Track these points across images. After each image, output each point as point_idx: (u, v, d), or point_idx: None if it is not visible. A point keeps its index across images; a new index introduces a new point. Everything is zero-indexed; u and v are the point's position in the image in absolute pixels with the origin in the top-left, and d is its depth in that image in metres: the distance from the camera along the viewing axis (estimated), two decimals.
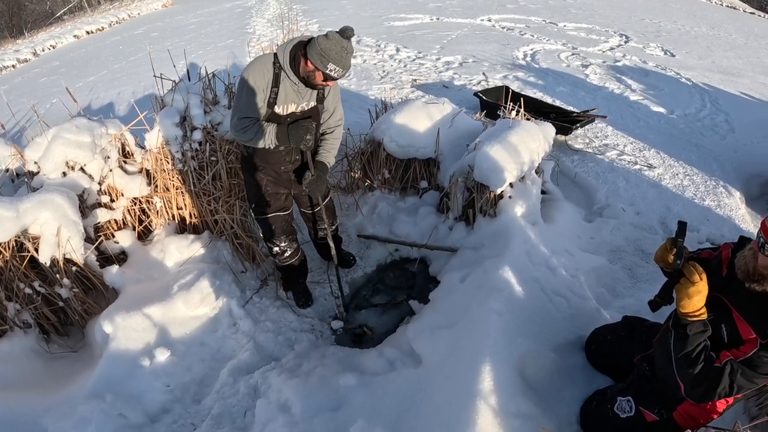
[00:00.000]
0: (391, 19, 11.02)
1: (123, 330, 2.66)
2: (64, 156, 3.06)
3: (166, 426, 2.48)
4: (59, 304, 2.92)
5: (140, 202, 3.44)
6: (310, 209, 3.11)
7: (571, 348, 2.45)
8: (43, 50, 14.75)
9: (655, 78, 6.97)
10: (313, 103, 2.62)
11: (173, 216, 3.51)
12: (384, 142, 3.75)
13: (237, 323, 2.99)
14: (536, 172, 3.56)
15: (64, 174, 3.10)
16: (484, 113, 5.00)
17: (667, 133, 5.26)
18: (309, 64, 2.35)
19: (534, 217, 3.33)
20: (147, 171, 3.40)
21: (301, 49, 2.37)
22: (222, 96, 3.47)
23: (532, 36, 9.28)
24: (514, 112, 3.77)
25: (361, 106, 5.77)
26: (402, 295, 3.37)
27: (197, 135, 3.28)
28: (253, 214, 3.03)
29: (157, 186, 3.40)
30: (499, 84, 6.38)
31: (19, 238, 2.77)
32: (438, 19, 10.88)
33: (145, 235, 3.52)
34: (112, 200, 3.33)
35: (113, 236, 3.33)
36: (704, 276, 1.65)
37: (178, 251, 3.28)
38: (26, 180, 3.08)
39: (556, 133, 4.23)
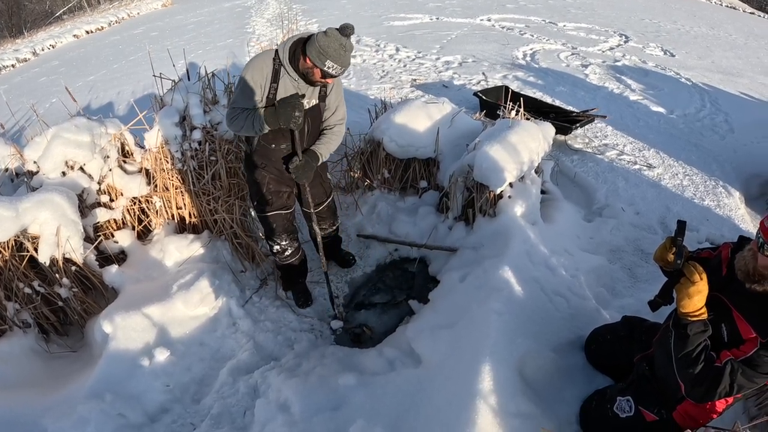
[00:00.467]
0: (390, 18, 11.02)
1: (122, 330, 2.66)
2: (64, 155, 3.06)
3: (165, 426, 2.47)
4: (59, 304, 2.92)
5: (140, 201, 3.43)
6: (311, 208, 3.10)
7: (571, 348, 2.45)
8: (43, 50, 14.74)
9: (654, 78, 6.97)
10: (314, 101, 2.61)
11: (173, 216, 3.50)
12: (384, 141, 3.75)
13: (236, 323, 2.99)
14: (536, 172, 3.56)
15: (64, 173, 3.09)
16: (483, 113, 5.01)
17: (667, 133, 5.26)
18: (307, 61, 2.34)
19: (534, 217, 3.33)
20: (146, 170, 3.40)
21: (301, 45, 2.37)
22: (221, 95, 3.47)
23: (532, 36, 9.28)
24: (513, 112, 3.76)
25: (360, 105, 5.76)
26: (402, 295, 3.37)
27: (197, 134, 3.28)
28: (254, 211, 3.03)
29: (156, 185, 3.40)
30: (499, 84, 6.38)
31: (18, 237, 2.77)
32: (438, 18, 10.88)
33: (144, 234, 3.52)
34: (111, 200, 3.32)
35: (113, 236, 3.32)
36: (704, 276, 1.65)
37: (177, 251, 3.28)
38: (25, 179, 3.08)
39: (556, 133, 4.23)
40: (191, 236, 3.38)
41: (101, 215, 3.23)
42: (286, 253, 3.04)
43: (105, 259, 3.26)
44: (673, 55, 8.19)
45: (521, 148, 3.26)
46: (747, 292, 1.66)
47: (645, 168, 4.53)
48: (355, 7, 12.81)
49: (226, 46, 9.84)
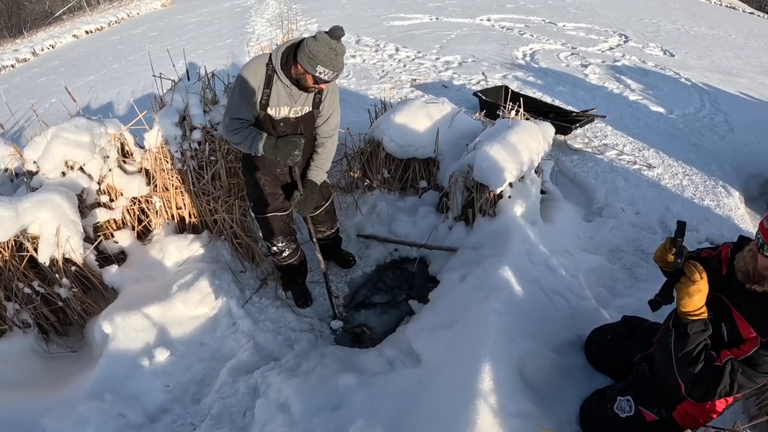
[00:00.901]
0: (390, 18, 11.02)
1: (122, 330, 2.66)
2: (64, 155, 3.06)
3: (165, 426, 2.47)
4: (58, 304, 2.92)
5: (139, 201, 3.43)
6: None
7: (571, 348, 2.45)
8: (42, 50, 14.74)
9: (654, 78, 6.97)
10: (308, 108, 2.57)
11: (172, 216, 3.50)
12: (383, 141, 3.75)
13: (236, 323, 2.99)
14: (536, 172, 3.56)
15: (64, 174, 3.09)
16: (483, 113, 5.01)
17: (667, 133, 5.26)
18: (299, 67, 2.30)
19: (533, 217, 3.34)
20: (146, 171, 3.40)
21: (293, 51, 2.33)
22: (221, 96, 3.47)
23: (532, 36, 9.28)
24: (513, 112, 3.76)
25: (360, 105, 5.77)
26: (401, 295, 3.37)
27: (196, 135, 3.28)
28: (252, 212, 3.03)
29: (156, 186, 3.40)
30: (499, 84, 6.38)
31: (18, 237, 2.76)
32: (437, 18, 10.88)
33: (144, 234, 3.52)
34: (111, 200, 3.32)
35: (112, 236, 3.32)
36: (705, 275, 1.65)
37: (177, 251, 3.28)
38: (25, 179, 3.08)
39: (556, 133, 4.23)
40: (191, 236, 3.38)
41: (101, 215, 3.23)
42: (284, 254, 3.03)
43: (105, 259, 3.26)
44: (672, 55, 8.19)
45: (521, 148, 3.26)
46: (747, 292, 1.67)
47: (645, 168, 4.53)
48: (355, 7, 12.81)
49: (225, 46, 9.84)
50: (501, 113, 3.89)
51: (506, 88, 5.79)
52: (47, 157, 3.02)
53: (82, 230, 2.95)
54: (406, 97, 5.91)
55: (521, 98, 4.48)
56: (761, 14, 15.04)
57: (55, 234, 2.80)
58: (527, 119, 3.76)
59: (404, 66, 7.69)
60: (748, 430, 1.65)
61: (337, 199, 3.95)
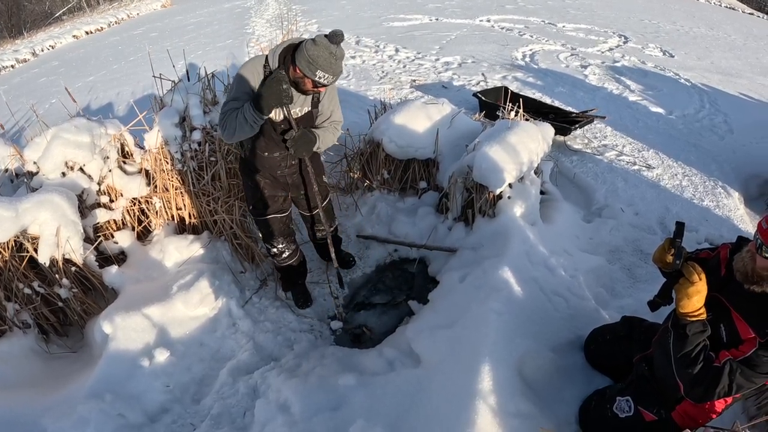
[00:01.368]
0: (390, 19, 11.03)
1: (122, 330, 2.66)
2: (64, 156, 3.06)
3: (165, 426, 2.48)
4: (58, 305, 2.92)
5: (139, 202, 3.43)
6: (308, 212, 3.10)
7: (570, 348, 2.46)
8: (42, 50, 14.73)
9: (654, 78, 6.98)
10: (307, 109, 2.56)
11: (172, 216, 3.51)
12: (383, 142, 3.75)
13: (236, 323, 2.99)
14: (535, 173, 3.56)
15: (64, 174, 3.09)
16: (483, 114, 5.03)
17: (666, 134, 5.27)
18: (297, 70, 2.28)
19: (533, 218, 3.34)
20: (146, 171, 3.40)
21: (291, 53, 2.30)
22: (221, 96, 3.47)
23: (531, 36, 9.29)
24: (513, 113, 3.77)
25: (360, 106, 5.77)
26: (401, 296, 3.37)
27: (196, 135, 3.28)
28: (251, 215, 3.03)
29: (156, 186, 3.40)
30: (498, 84, 6.38)
31: (18, 238, 2.77)
32: (437, 19, 10.89)
33: (144, 235, 3.52)
34: (111, 200, 3.33)
35: (112, 236, 3.33)
36: (703, 276, 1.66)
37: (177, 251, 3.28)
38: (25, 180, 3.08)
39: (555, 134, 4.24)
40: (191, 237, 3.38)
41: (101, 216, 3.23)
42: (284, 255, 3.04)
43: (105, 259, 3.26)
44: (672, 56, 8.20)
45: (520, 149, 3.26)
46: (745, 293, 1.67)
47: (644, 168, 4.54)
48: (355, 7, 12.82)
49: (225, 47, 9.84)
50: (500, 114, 3.89)
51: (506, 88, 5.79)
52: (47, 158, 3.02)
53: (82, 231, 2.96)
54: (406, 98, 5.93)
55: (521, 99, 4.49)
56: (761, 15, 15.05)
57: (55, 234, 2.80)
58: (527, 120, 3.77)
59: (404, 67, 7.70)
60: (748, 430, 1.66)
61: (336, 199, 3.95)
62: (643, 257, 3.52)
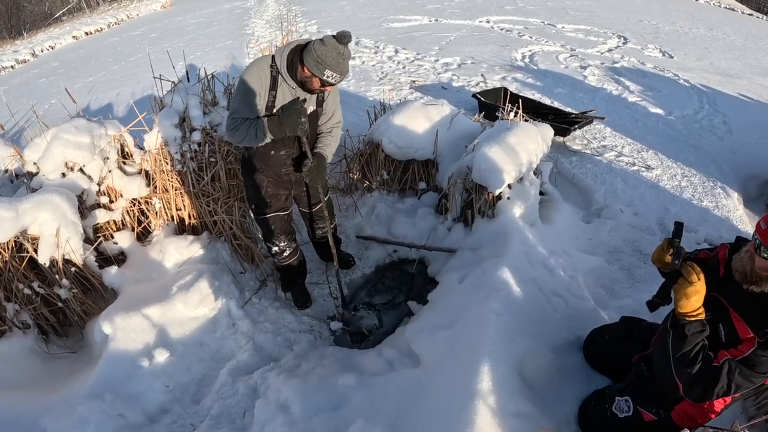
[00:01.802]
0: (389, 20, 11.04)
1: (122, 330, 2.66)
2: (64, 157, 3.06)
3: (165, 426, 2.48)
4: (58, 305, 2.92)
5: (139, 203, 3.44)
6: (308, 208, 3.11)
7: (570, 348, 2.46)
8: (42, 51, 14.73)
9: (653, 79, 6.99)
10: (312, 107, 2.61)
11: (172, 217, 3.51)
12: (383, 143, 3.75)
13: (236, 324, 2.99)
14: (534, 174, 3.57)
15: (64, 175, 3.10)
16: (482, 114, 5.03)
17: (666, 135, 5.27)
18: (306, 70, 2.33)
19: (532, 218, 3.34)
20: (146, 172, 3.41)
21: (299, 53, 2.35)
22: (221, 97, 3.48)
23: (531, 37, 9.30)
24: (512, 114, 3.77)
25: (359, 107, 5.78)
26: (401, 296, 3.38)
27: (196, 136, 3.29)
28: (252, 214, 3.04)
29: (156, 187, 3.40)
30: (498, 85, 6.39)
31: (18, 238, 2.77)
32: (437, 20, 10.90)
33: (144, 235, 3.52)
34: (111, 201, 3.33)
35: (112, 237, 3.33)
36: (702, 276, 1.66)
37: (177, 252, 3.28)
38: (25, 180, 3.08)
39: (555, 135, 4.25)
40: (191, 237, 3.38)
41: (101, 216, 3.23)
42: (285, 254, 3.04)
43: (105, 260, 3.26)
44: (671, 57, 8.21)
45: (520, 150, 3.27)
46: (744, 293, 1.68)
47: (643, 169, 4.55)
48: (354, 8, 12.83)
49: (225, 48, 9.85)
50: (500, 115, 3.90)
51: (505, 89, 5.80)
52: (47, 158, 3.03)
53: (82, 231, 2.96)
54: (406, 99, 5.93)
55: (520, 100, 4.49)
56: (760, 15, 15.08)
57: (55, 235, 2.80)
58: (526, 121, 3.77)
59: (403, 67, 7.71)
60: (747, 430, 1.66)
61: (336, 200, 3.95)
62: (642, 258, 3.52)
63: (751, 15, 14.73)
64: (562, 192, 4.11)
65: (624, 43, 8.96)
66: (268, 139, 2.45)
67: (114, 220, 3.34)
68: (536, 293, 2.63)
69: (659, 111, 5.88)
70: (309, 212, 3.15)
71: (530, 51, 8.40)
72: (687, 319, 1.68)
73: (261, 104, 2.45)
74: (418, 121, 3.72)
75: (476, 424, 1.91)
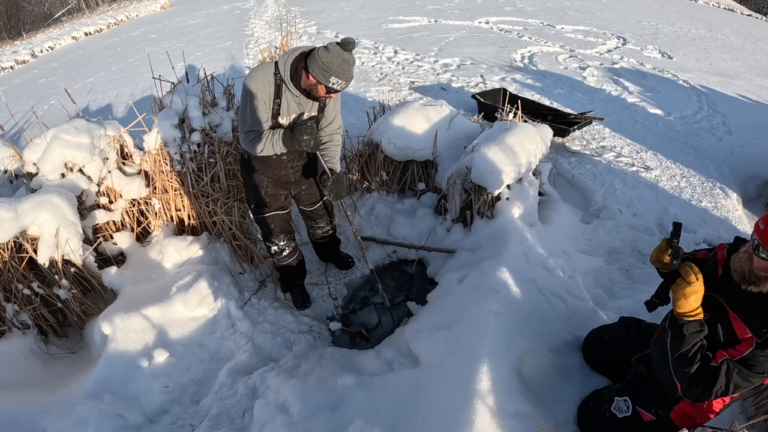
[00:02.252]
0: (389, 21, 11.05)
1: (121, 331, 2.66)
2: (63, 157, 3.06)
3: (164, 426, 2.48)
4: (58, 305, 2.92)
5: (139, 203, 3.44)
6: (309, 206, 3.11)
7: (569, 348, 2.46)
8: (42, 51, 14.75)
9: (652, 80, 7.00)
10: (314, 113, 2.64)
11: (172, 217, 3.51)
12: (382, 144, 3.76)
13: (235, 324, 3.00)
14: (533, 174, 3.57)
15: (63, 175, 3.10)
16: (481, 115, 5.04)
17: (665, 135, 5.28)
18: (311, 77, 2.34)
19: (531, 219, 3.35)
20: (145, 172, 3.41)
21: (302, 61, 2.36)
22: (220, 98, 3.48)
23: (530, 38, 9.31)
24: (511, 114, 3.78)
25: (359, 108, 5.79)
26: (400, 296, 3.38)
27: (196, 137, 3.29)
28: (252, 214, 3.05)
29: (155, 187, 3.41)
30: (497, 86, 6.40)
31: (17, 239, 2.77)
32: (436, 21, 10.91)
33: (143, 236, 3.53)
34: (110, 201, 3.33)
35: (112, 237, 3.33)
36: (700, 276, 1.66)
37: (176, 252, 3.29)
38: (25, 181, 3.09)
39: (554, 135, 4.25)
40: (190, 238, 3.39)
41: (100, 217, 3.23)
42: (284, 254, 3.05)
43: (104, 260, 3.26)
44: (670, 57, 8.22)
45: (519, 151, 3.27)
46: (742, 293, 1.68)
47: (642, 170, 4.55)
48: (354, 9, 12.84)
49: (224, 49, 9.85)
50: (499, 115, 3.90)
51: (504, 90, 5.81)
52: (47, 159, 3.03)
53: (81, 232, 2.96)
54: (405, 100, 5.94)
55: (519, 100, 4.50)
56: (759, 16, 15.10)
57: (55, 235, 2.81)
58: (525, 121, 3.78)
59: (403, 68, 7.71)
60: (746, 430, 1.66)
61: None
62: (641, 258, 3.52)
63: (750, 16, 14.75)
64: (561, 193, 4.12)
65: (623, 44, 8.97)
66: (282, 151, 2.57)
67: (113, 221, 3.34)
68: (535, 294, 2.63)
69: (658, 112, 5.89)
70: (308, 210, 3.15)
71: (529, 52, 8.42)
72: (685, 319, 1.68)
73: (267, 113, 2.49)
74: (418, 122, 3.73)
75: (475, 424, 1.92)
